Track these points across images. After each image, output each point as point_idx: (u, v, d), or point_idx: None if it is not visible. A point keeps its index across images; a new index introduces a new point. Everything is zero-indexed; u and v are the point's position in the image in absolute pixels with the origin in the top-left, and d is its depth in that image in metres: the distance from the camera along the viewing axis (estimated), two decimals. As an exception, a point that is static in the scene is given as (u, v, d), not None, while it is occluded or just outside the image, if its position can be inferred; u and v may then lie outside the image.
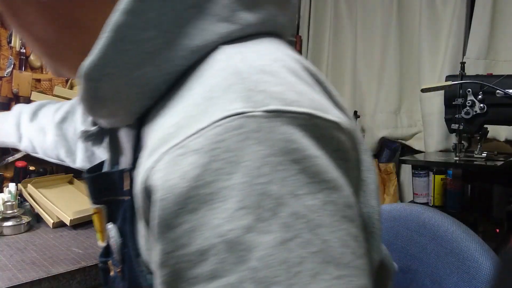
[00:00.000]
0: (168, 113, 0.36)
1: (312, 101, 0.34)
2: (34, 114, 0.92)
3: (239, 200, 0.30)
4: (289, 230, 0.30)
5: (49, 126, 0.87)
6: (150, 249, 0.38)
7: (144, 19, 0.36)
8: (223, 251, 0.30)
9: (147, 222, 0.36)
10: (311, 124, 0.33)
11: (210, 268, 0.30)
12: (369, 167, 0.43)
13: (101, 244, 0.51)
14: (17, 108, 0.96)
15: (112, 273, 0.50)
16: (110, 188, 0.45)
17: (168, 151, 0.32)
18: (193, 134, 0.31)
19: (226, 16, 0.38)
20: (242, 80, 0.33)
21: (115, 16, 0.35)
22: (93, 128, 0.50)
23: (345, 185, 0.34)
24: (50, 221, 1.19)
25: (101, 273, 0.52)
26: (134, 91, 0.38)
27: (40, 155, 0.93)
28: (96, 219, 0.50)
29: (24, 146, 0.94)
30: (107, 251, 0.49)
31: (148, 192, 0.33)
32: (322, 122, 0.33)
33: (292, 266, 0.29)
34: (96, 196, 0.48)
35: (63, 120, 0.85)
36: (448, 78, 1.44)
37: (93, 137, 0.51)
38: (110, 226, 0.45)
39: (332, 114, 0.35)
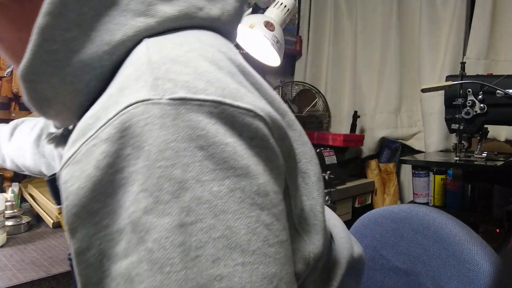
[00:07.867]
0: (94, 105, 0.38)
1: (223, 89, 0.34)
2: (11, 134, 0.92)
3: (141, 183, 0.31)
4: (190, 214, 0.31)
5: (27, 145, 0.86)
6: None
7: (65, 20, 0.38)
8: (130, 231, 0.31)
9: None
10: (220, 111, 0.33)
11: (124, 246, 0.32)
12: (310, 159, 0.44)
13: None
14: None
15: None
16: None
17: (86, 142, 0.34)
18: (104, 124, 0.33)
19: (143, 10, 0.40)
20: (152, 69, 0.35)
21: (39, 19, 0.37)
22: (58, 131, 0.52)
23: (260, 173, 0.34)
24: (50, 221, 1.19)
25: (71, 269, 0.53)
26: (69, 88, 0.40)
27: (26, 172, 0.94)
28: (62, 219, 0.50)
29: (9, 166, 0.95)
30: None
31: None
32: (232, 109, 0.34)
33: (190, 250, 0.30)
34: (56, 197, 0.49)
35: (39, 137, 0.84)
36: (448, 78, 1.44)
37: (56, 139, 0.52)
38: None
39: (245, 101, 0.35)
